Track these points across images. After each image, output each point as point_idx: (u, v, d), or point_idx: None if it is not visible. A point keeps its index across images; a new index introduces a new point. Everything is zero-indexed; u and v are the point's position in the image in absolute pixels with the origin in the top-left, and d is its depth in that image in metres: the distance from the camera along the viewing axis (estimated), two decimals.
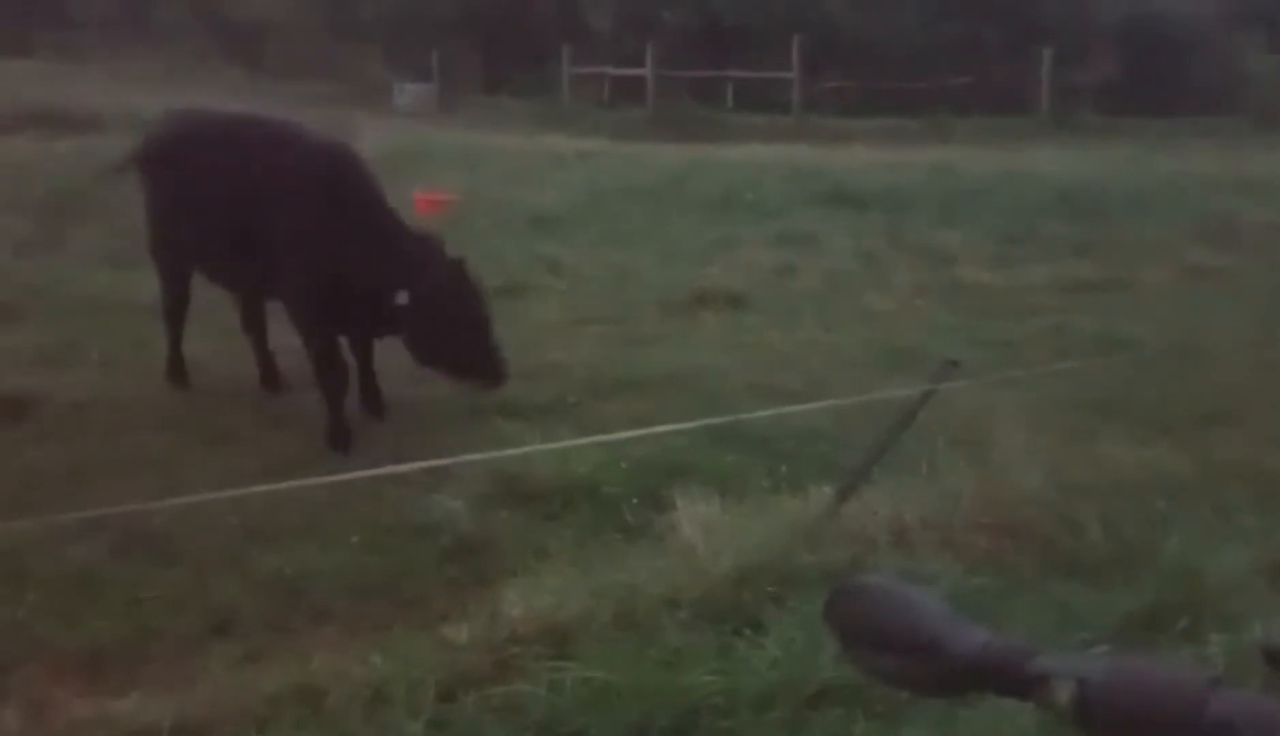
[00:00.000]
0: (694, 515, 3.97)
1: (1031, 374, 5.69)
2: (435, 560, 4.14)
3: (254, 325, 6.22)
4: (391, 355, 5.88)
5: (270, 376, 6.20)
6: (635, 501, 4.44)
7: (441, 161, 15.21)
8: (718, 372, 6.43)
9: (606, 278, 8.37)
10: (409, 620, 3.67)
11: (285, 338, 5.93)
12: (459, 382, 5.49)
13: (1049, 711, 0.90)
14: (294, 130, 6.00)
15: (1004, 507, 4.04)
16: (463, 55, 28.04)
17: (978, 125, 20.79)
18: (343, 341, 5.71)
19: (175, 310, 6.26)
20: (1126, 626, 3.38)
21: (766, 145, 16.51)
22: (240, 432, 5.50)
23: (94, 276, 8.38)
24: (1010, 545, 3.92)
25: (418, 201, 11.47)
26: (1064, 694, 0.89)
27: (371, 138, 17.54)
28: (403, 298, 5.16)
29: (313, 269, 5.43)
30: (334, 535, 4.26)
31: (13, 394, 5.74)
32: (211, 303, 7.85)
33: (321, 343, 5.54)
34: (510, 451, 4.55)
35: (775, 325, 7.50)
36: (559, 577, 3.64)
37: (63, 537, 4.13)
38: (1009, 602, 3.47)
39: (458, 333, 5.25)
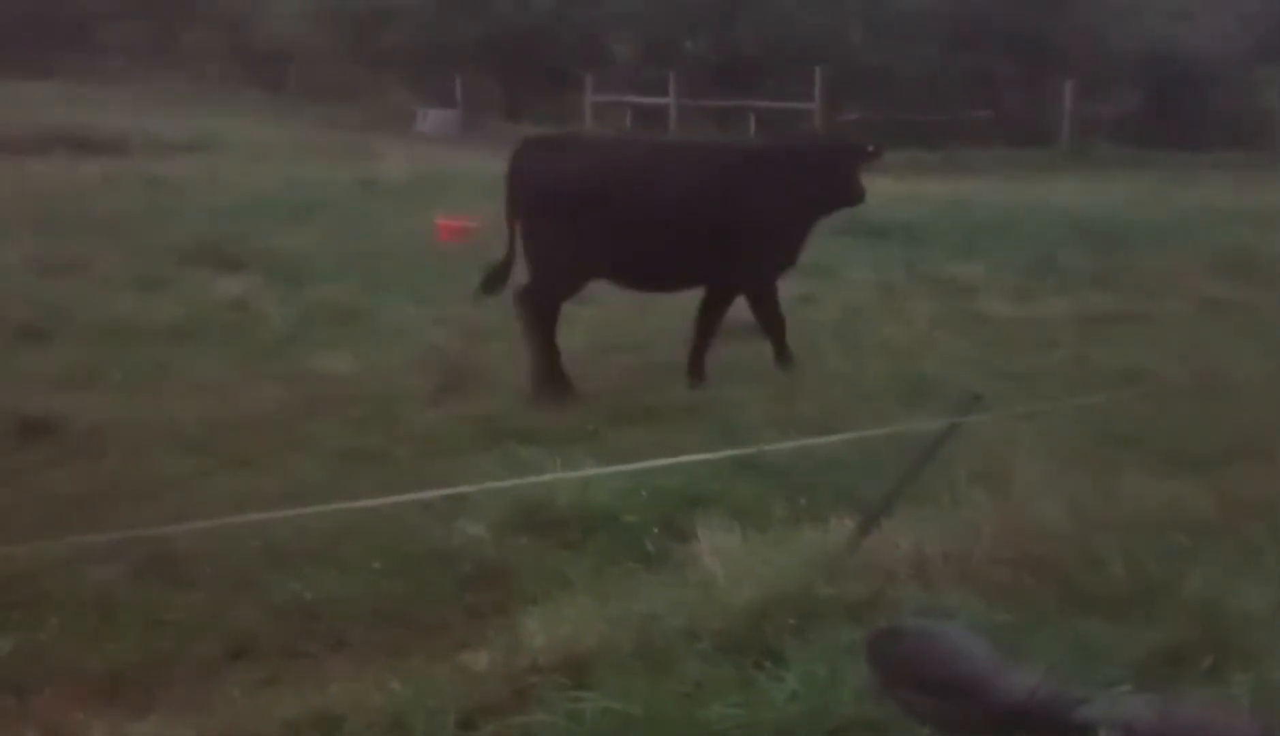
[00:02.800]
0: (714, 545, 3.96)
1: (1052, 407, 5.66)
2: (455, 587, 4.14)
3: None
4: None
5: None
6: (655, 531, 4.43)
7: (464, 187, 15.25)
8: (737, 402, 6.43)
9: (629, 305, 8.36)
10: (428, 647, 3.67)
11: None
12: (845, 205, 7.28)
13: None
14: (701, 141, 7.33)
15: (1025, 541, 4.02)
16: (486, 81, 28.21)
17: (997, 157, 20.81)
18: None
19: (554, 321, 6.60)
20: (1149, 664, 3.35)
21: None
22: (260, 457, 5.51)
23: (117, 299, 8.43)
24: (1031, 579, 3.90)
25: (441, 228, 11.56)
26: None
27: (395, 162, 17.71)
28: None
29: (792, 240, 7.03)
30: (354, 560, 4.26)
31: (36, 415, 5.78)
32: (234, 325, 7.94)
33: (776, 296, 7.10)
34: (531, 479, 4.55)
35: (795, 355, 7.48)
36: (578, 607, 3.63)
37: (83, 559, 4.13)
38: (1029, 637, 3.44)
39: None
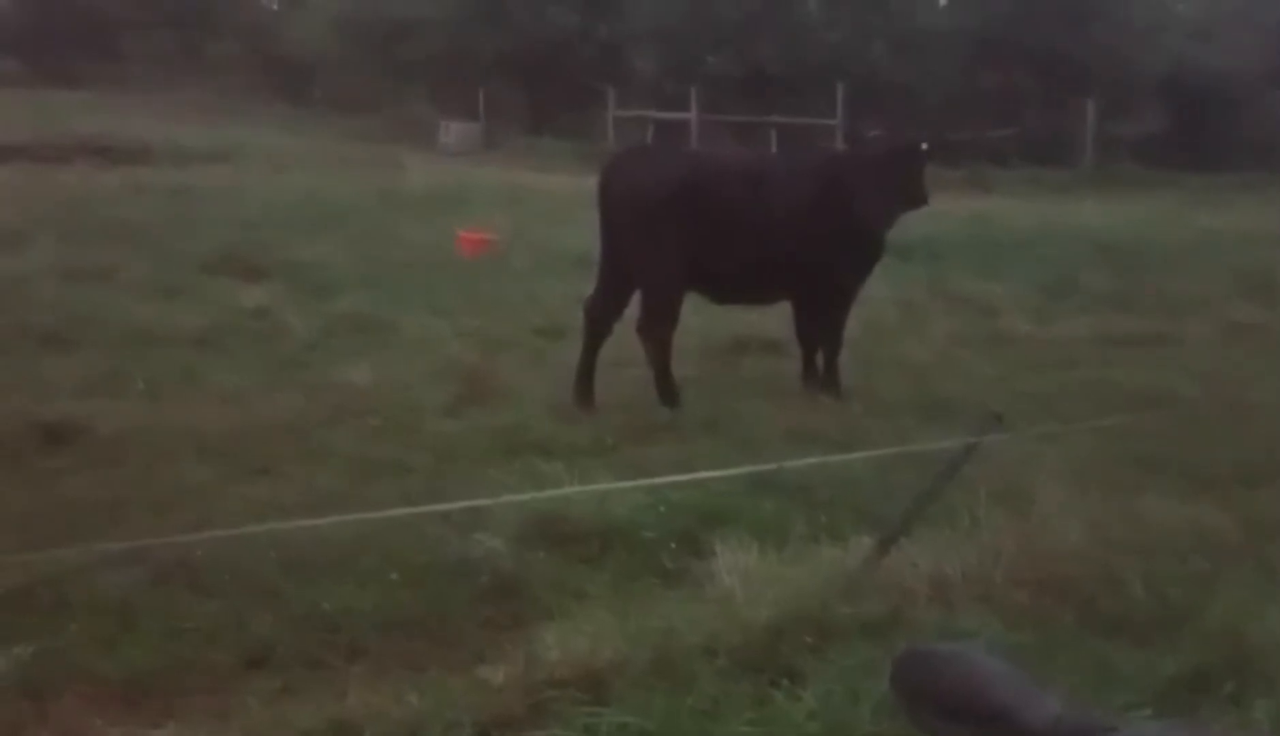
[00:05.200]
0: (733, 562, 3.95)
1: (1073, 428, 5.64)
2: (472, 599, 4.13)
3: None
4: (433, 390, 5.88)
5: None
6: (673, 546, 4.42)
7: (485, 200, 15.34)
8: (756, 418, 6.42)
9: None
10: (445, 659, 3.67)
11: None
12: (909, 209, 7.15)
13: None
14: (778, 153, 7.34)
15: (1045, 563, 4.00)
16: (508, 95, 28.30)
17: (1019, 176, 20.77)
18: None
19: (671, 332, 6.66)
20: (1170, 688, 3.33)
21: None
22: (280, 466, 5.53)
23: (141, 306, 8.48)
24: (1051, 601, 3.88)
25: (462, 240, 11.60)
26: None
27: (417, 174, 17.80)
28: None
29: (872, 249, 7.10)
30: (372, 571, 4.26)
31: (58, 421, 5.81)
32: (256, 334, 7.97)
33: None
34: (549, 492, 4.55)
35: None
36: (596, 621, 3.62)
37: (103, 566, 4.15)
38: (1049, 660, 3.42)
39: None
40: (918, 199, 7.16)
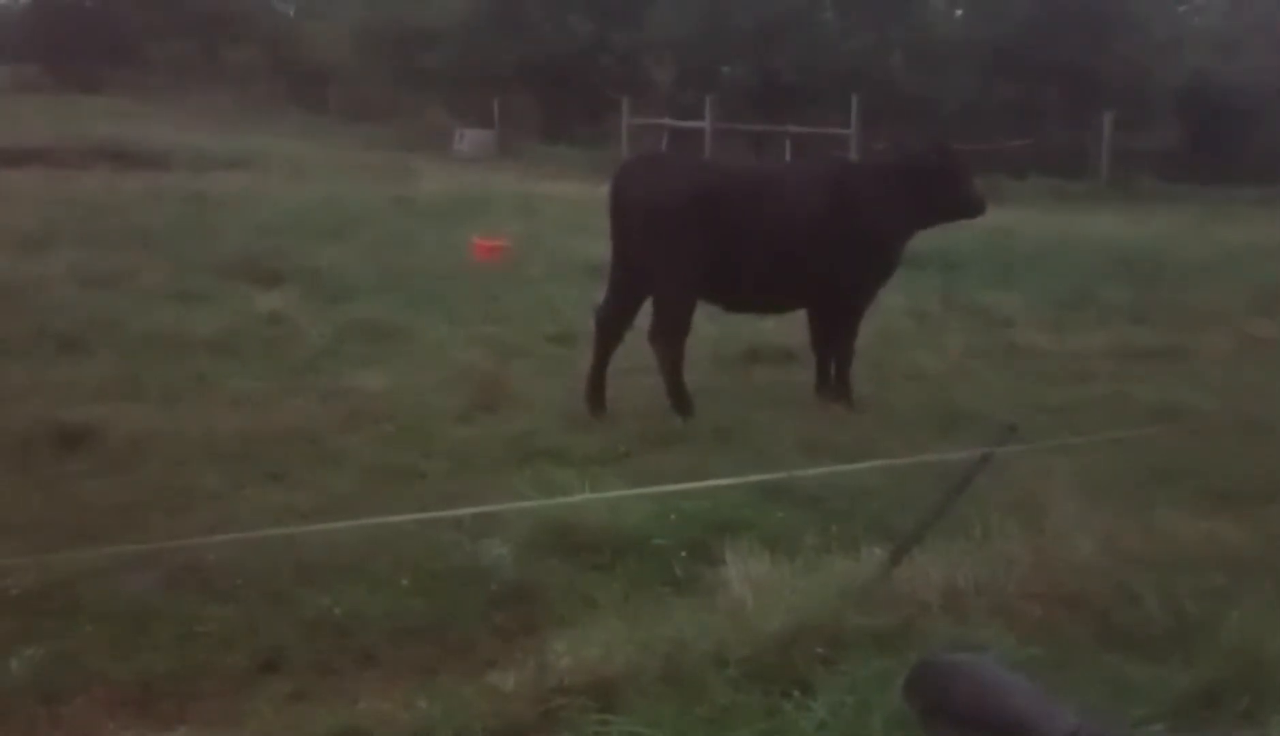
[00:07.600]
0: (744, 571, 3.94)
1: (1088, 441, 5.61)
2: (483, 606, 4.13)
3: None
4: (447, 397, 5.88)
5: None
6: (684, 555, 4.42)
7: (499, 208, 15.36)
8: (768, 427, 6.41)
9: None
10: (456, 666, 3.68)
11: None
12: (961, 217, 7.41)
13: None
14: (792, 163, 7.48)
15: (1059, 576, 3.98)
16: (524, 103, 28.36)
17: (1035, 188, 20.71)
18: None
19: (683, 339, 6.66)
20: (1184, 704, 3.31)
21: None
22: (294, 471, 5.54)
23: (157, 311, 8.51)
24: (1065, 615, 3.86)
25: (476, 247, 11.63)
26: None
27: (432, 182, 17.84)
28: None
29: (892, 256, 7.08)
30: (384, 577, 4.27)
31: (74, 425, 5.83)
32: (271, 340, 7.99)
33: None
34: (561, 500, 4.55)
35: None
36: (607, 629, 3.62)
37: (117, 569, 4.17)
38: (1062, 673, 3.40)
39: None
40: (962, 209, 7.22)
